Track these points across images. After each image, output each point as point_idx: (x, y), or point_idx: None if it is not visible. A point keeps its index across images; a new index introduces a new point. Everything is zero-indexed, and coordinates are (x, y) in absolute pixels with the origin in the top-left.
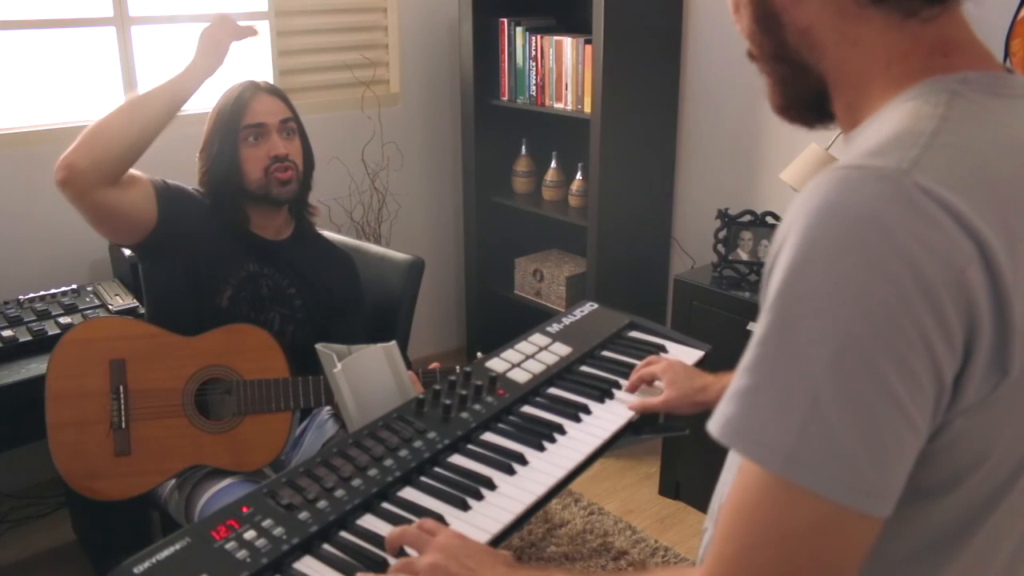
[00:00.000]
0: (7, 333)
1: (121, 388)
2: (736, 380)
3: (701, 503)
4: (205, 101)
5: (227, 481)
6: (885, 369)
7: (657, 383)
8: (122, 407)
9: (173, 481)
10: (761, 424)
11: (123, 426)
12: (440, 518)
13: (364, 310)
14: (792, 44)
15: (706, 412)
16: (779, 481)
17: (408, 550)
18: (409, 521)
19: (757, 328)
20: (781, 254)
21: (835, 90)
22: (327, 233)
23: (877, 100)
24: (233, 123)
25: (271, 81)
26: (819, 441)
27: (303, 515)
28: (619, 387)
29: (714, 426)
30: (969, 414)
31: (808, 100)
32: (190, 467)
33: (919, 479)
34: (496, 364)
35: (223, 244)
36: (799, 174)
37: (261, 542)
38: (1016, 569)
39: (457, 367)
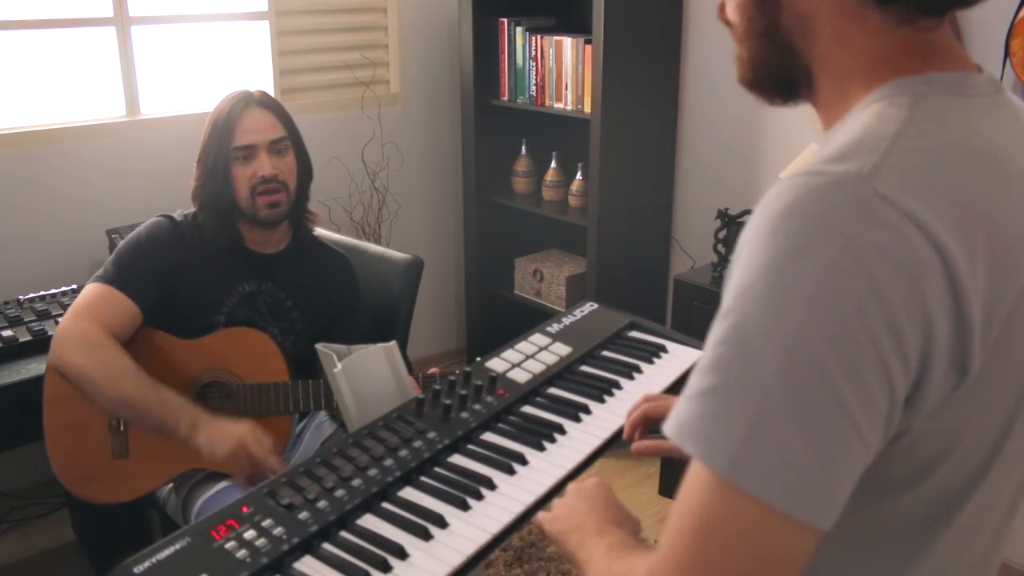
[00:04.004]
0: (7, 333)
1: None
2: (692, 380)
3: None
4: (203, 102)
5: (224, 483)
6: (836, 377)
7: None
8: None
9: (171, 483)
10: (710, 425)
11: (121, 429)
12: (440, 518)
13: (362, 312)
14: (785, 26)
15: None
16: (723, 483)
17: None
18: (409, 521)
19: (717, 327)
20: (740, 258)
21: (818, 82)
22: (324, 232)
23: (851, 101)
24: (224, 142)
25: (271, 81)
26: (765, 446)
27: (303, 515)
28: (619, 387)
29: (668, 425)
30: (931, 417)
31: (781, 81)
32: (188, 470)
33: (884, 473)
34: (496, 364)
35: (215, 269)
36: None
37: (261, 542)
38: (991, 560)
39: (456, 370)
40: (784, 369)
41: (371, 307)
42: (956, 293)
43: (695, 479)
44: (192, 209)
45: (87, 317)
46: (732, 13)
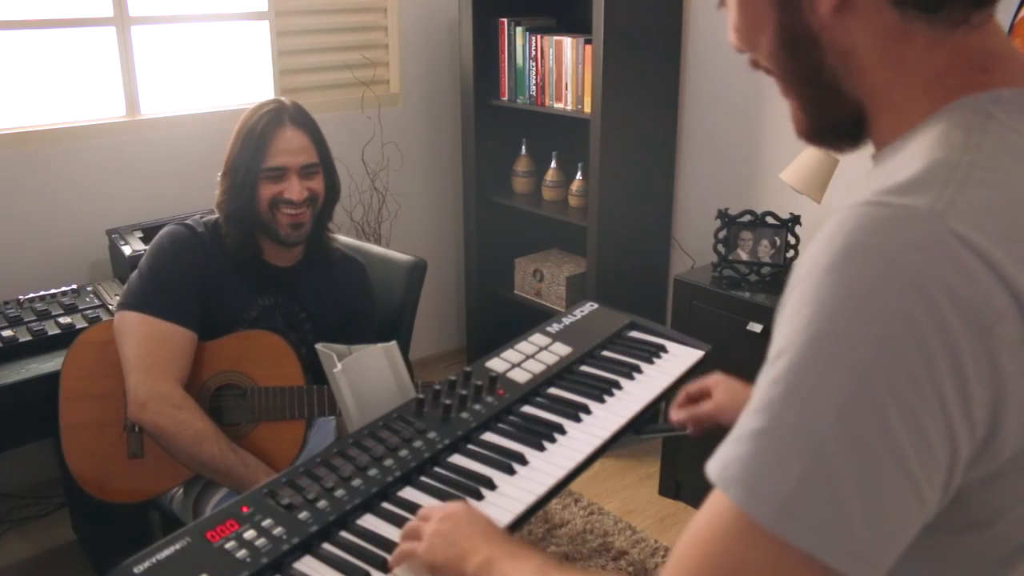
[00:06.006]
0: (7, 333)
1: None
2: (743, 421)
3: (701, 503)
4: (204, 102)
5: None
6: (897, 428)
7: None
8: None
9: (181, 485)
10: (759, 471)
11: (136, 429)
12: None
13: (375, 319)
14: (829, 67)
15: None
16: (763, 532)
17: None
18: (409, 521)
19: (771, 367)
20: (798, 291)
21: (873, 115)
22: (339, 238)
23: (913, 120)
24: (256, 161)
25: (272, 81)
26: (817, 495)
27: (303, 515)
28: (619, 387)
29: (712, 468)
30: (1011, 461)
31: (841, 125)
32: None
33: (955, 516)
34: (496, 364)
35: (235, 281)
36: (799, 174)
37: (261, 542)
38: None
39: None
40: (843, 415)
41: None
42: None
43: (720, 515)
44: (207, 216)
45: (160, 372)
46: (767, 63)
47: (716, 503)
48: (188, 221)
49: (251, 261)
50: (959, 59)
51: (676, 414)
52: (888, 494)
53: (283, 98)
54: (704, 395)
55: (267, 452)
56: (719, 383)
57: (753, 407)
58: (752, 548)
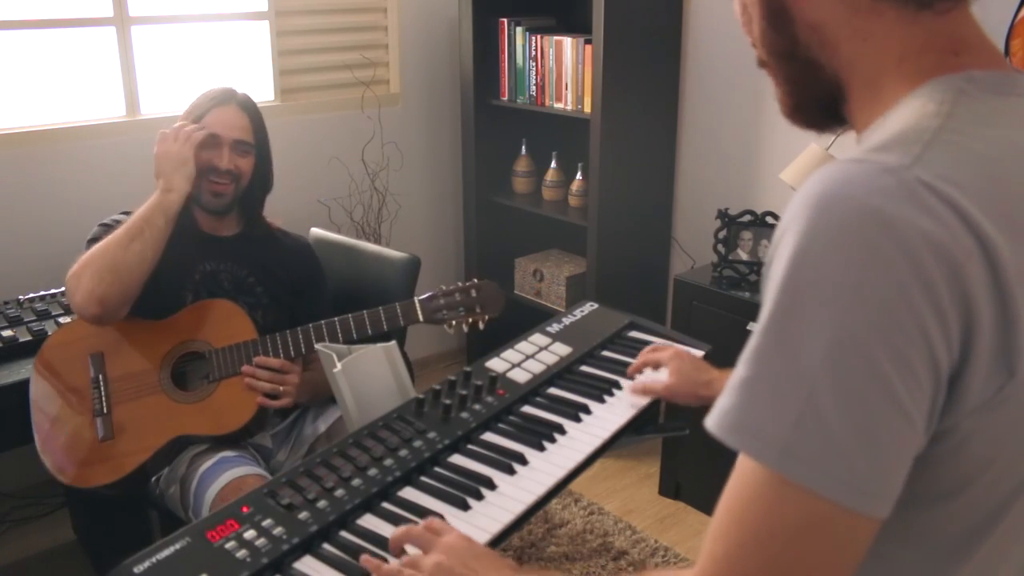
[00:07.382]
0: (7, 333)
1: (101, 377)
2: (736, 370)
3: (701, 503)
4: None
5: (218, 456)
6: (882, 363)
7: (662, 369)
8: (103, 394)
9: (165, 471)
10: (757, 417)
11: (105, 411)
12: (440, 518)
13: (327, 288)
14: (803, 40)
15: (707, 409)
16: (773, 476)
17: (410, 549)
18: (409, 521)
19: (760, 317)
20: (782, 244)
21: (849, 90)
22: (321, 232)
23: (888, 99)
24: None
25: (271, 81)
26: (814, 435)
27: (303, 515)
28: (619, 387)
29: (711, 419)
30: (975, 416)
31: (820, 100)
32: (172, 442)
33: (925, 483)
34: (496, 364)
35: (175, 250)
36: (799, 174)
37: (261, 542)
38: None
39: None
40: (829, 355)
41: (369, 306)
42: (999, 284)
43: (741, 475)
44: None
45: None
46: (761, 51)
47: (736, 468)
48: (119, 213)
49: (190, 231)
50: (932, 41)
51: (633, 385)
52: (881, 427)
53: (234, 88)
54: (658, 365)
55: (229, 407)
56: (672, 359)
57: (747, 354)
58: (768, 493)
